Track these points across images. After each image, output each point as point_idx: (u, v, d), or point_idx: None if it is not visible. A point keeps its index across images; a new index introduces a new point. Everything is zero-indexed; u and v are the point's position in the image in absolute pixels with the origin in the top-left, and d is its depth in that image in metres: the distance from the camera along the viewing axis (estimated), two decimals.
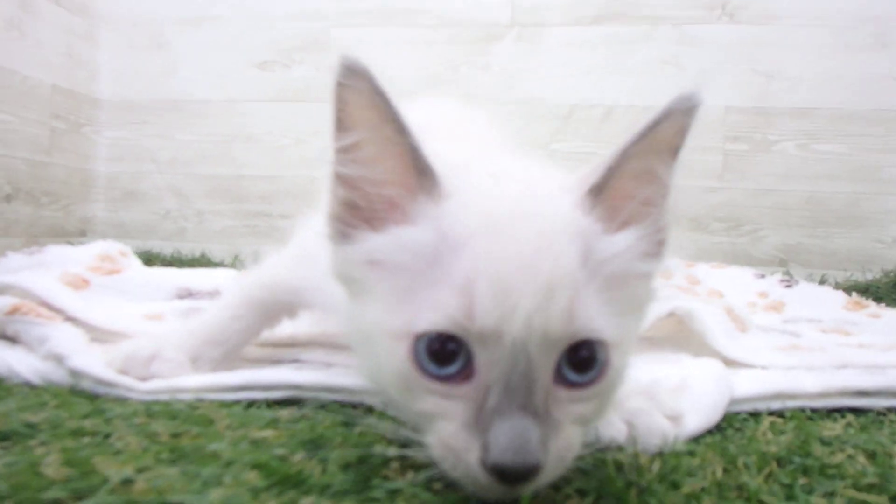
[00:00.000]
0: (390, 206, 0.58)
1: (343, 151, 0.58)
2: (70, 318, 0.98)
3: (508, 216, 0.55)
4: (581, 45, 2.35)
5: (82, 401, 0.76)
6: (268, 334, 0.97)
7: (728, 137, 2.30)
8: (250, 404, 0.79)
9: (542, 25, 2.37)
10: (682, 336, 1.10)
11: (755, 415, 0.82)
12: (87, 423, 0.66)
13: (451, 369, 0.53)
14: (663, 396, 0.74)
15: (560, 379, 0.53)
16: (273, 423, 0.70)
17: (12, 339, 0.94)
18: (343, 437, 0.64)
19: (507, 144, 0.98)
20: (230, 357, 0.90)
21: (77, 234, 2.44)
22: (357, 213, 0.59)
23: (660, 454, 0.65)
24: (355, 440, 0.64)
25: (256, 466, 0.56)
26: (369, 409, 0.76)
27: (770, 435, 0.73)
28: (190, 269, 1.44)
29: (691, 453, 0.66)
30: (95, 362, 0.82)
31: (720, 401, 0.79)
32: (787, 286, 1.64)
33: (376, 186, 0.58)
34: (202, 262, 2.24)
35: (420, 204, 0.57)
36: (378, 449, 0.60)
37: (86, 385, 0.80)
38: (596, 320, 0.53)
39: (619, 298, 0.56)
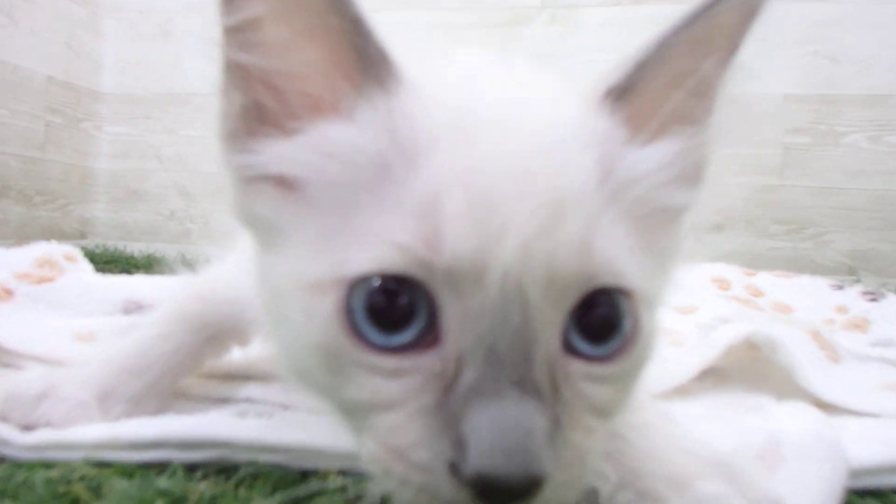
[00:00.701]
0: (316, 105, 0.41)
1: (240, 31, 0.41)
2: None
3: (492, 110, 0.39)
4: (619, 27, 2.12)
5: None
6: (217, 364, 0.75)
7: (788, 129, 2.05)
8: (163, 469, 0.56)
9: (576, 6, 2.16)
10: (756, 368, 0.87)
11: (878, 494, 0.59)
12: None
13: (405, 336, 0.36)
14: (751, 474, 0.51)
15: (568, 348, 0.37)
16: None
17: None
18: None
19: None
20: (155, 392, 0.67)
21: (76, 235, 2.31)
22: (266, 120, 0.42)
23: None
24: None
25: None
26: (323, 478, 0.55)
27: None
28: (149, 276, 1.22)
29: None
30: None
31: (834, 477, 0.55)
32: (872, 299, 1.38)
33: (296, 80, 0.41)
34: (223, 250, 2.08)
35: (362, 98, 0.40)
36: None
37: None
38: (621, 260, 0.37)
39: (649, 237, 0.40)
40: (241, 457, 0.58)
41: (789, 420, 0.67)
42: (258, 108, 0.42)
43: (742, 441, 0.59)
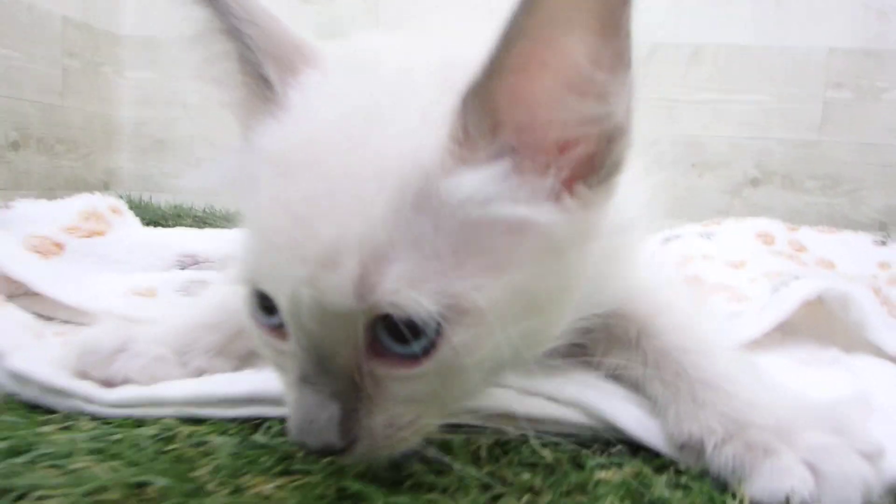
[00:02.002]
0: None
1: None
2: (35, 295, 0.77)
3: (310, 152, 0.42)
4: None
5: (15, 420, 0.54)
6: None
7: (830, 83, 2.00)
8: (257, 426, 0.56)
9: None
10: (819, 323, 0.87)
11: None
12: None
13: (274, 320, 0.45)
14: (855, 424, 0.52)
15: (380, 350, 0.42)
16: (283, 462, 0.49)
17: None
18: (385, 498, 0.44)
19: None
20: (232, 349, 0.66)
21: (100, 187, 2.28)
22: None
23: None
24: (404, 501, 0.44)
25: None
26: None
27: None
28: (202, 229, 1.19)
29: None
30: (43, 362, 0.60)
31: None
32: None
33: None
34: (237, 218, 2.06)
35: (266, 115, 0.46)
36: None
37: (31, 394, 0.58)
38: (420, 289, 0.39)
39: (489, 250, 0.41)
40: None
41: (871, 373, 0.67)
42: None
43: (833, 392, 0.59)
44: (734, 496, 0.46)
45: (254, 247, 0.43)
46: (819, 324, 0.87)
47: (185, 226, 1.81)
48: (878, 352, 0.77)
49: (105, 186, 2.32)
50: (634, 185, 0.55)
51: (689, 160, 2.05)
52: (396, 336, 0.41)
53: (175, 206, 2.15)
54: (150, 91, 2.36)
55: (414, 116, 0.42)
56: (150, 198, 2.25)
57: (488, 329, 0.42)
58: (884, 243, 1.46)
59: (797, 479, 0.46)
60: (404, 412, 0.44)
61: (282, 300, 0.42)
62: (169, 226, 1.66)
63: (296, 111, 0.46)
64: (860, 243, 1.47)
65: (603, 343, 0.62)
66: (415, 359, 0.42)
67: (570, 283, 0.48)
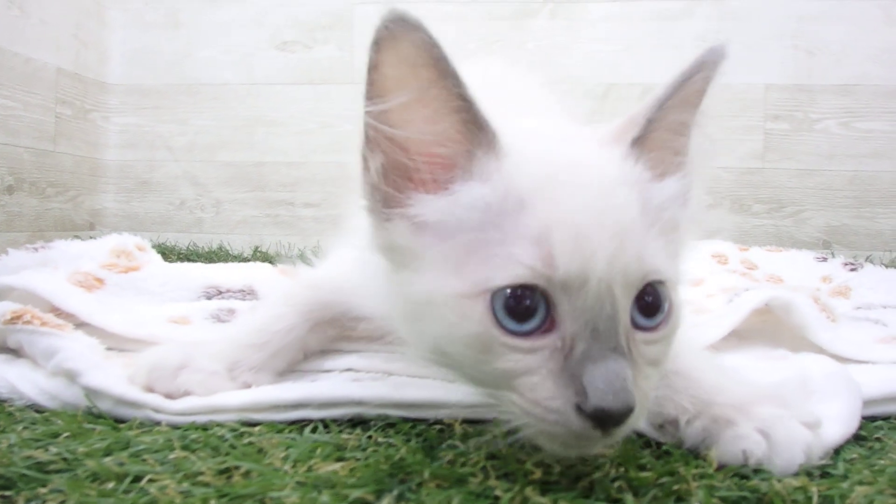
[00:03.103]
0: (446, 165, 0.56)
1: (389, 113, 0.55)
2: (83, 324, 0.86)
3: (569, 169, 0.56)
4: (619, 22, 2.24)
5: (102, 428, 0.64)
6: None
7: (769, 116, 2.20)
8: (304, 426, 0.67)
9: (578, 1, 2.26)
10: (769, 329, 1.01)
11: (886, 419, 0.73)
12: (111, 462, 0.55)
13: (532, 324, 0.52)
14: (796, 400, 0.65)
15: (636, 325, 0.54)
16: (338, 451, 0.60)
17: (15, 352, 0.83)
18: (429, 469, 0.54)
19: (552, 106, 0.95)
20: (272, 365, 0.78)
21: (86, 227, 2.34)
22: (405, 176, 0.57)
23: (807, 475, 0.56)
24: (446, 471, 0.54)
25: None
26: (447, 426, 0.67)
27: None
28: (216, 264, 1.29)
29: (846, 474, 0.57)
30: (115, 378, 0.70)
31: (854, 404, 0.69)
32: (853, 269, 1.54)
33: (430, 146, 0.56)
34: (220, 254, 2.14)
35: (479, 162, 0.55)
36: (476, 485, 0.52)
37: (104, 406, 0.69)
38: (661, 261, 0.55)
39: (671, 243, 0.58)
40: (373, 412, 0.69)
41: (811, 364, 0.80)
42: (400, 169, 0.57)
43: (778, 378, 0.72)
44: (705, 459, 0.58)
45: (555, 240, 0.51)
46: (769, 330, 1.01)
47: (171, 262, 1.90)
48: (821, 351, 0.91)
49: (91, 227, 2.37)
50: None
51: None
52: (644, 312, 0.54)
53: (159, 245, 2.22)
54: (135, 135, 2.44)
55: (615, 154, 0.59)
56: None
57: (681, 306, 0.58)
58: (825, 259, 1.63)
59: (753, 443, 0.58)
60: (650, 373, 0.54)
61: (592, 277, 0.50)
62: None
63: (529, 152, 0.56)
64: (804, 260, 1.65)
65: None
66: (653, 328, 0.54)
67: None
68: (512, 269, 0.51)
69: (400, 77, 0.53)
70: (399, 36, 0.52)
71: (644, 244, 0.54)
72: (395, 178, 0.57)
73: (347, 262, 0.78)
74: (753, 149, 2.21)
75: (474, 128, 0.55)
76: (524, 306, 0.51)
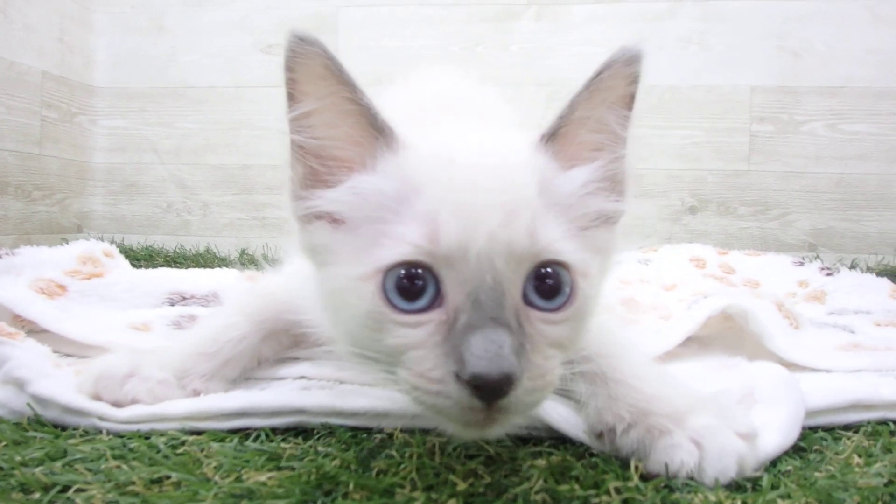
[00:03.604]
0: (349, 165, 0.61)
1: (299, 120, 0.60)
2: (43, 332, 0.86)
3: (466, 156, 0.59)
4: (602, 23, 2.24)
5: (44, 436, 0.65)
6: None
7: (755, 118, 2.20)
8: (247, 435, 0.68)
9: (562, 3, 2.26)
10: (731, 336, 1.01)
11: (829, 430, 0.73)
12: (41, 472, 0.56)
13: (422, 302, 0.54)
14: (733, 410, 0.65)
15: (530, 304, 0.55)
16: (273, 461, 0.60)
17: None
18: (357, 480, 0.55)
19: (505, 114, 0.95)
20: (223, 373, 0.78)
21: (73, 230, 2.35)
22: (317, 180, 0.62)
23: (737, 488, 0.57)
24: (373, 482, 0.55)
25: None
26: (388, 437, 0.67)
27: (857, 459, 0.64)
28: (185, 269, 1.29)
29: (774, 486, 0.57)
30: (63, 386, 0.71)
31: (795, 414, 0.69)
32: (829, 274, 1.54)
33: (335, 150, 0.61)
34: (207, 257, 2.15)
35: (379, 158, 0.59)
36: (401, 496, 0.52)
37: (52, 415, 0.69)
38: (559, 242, 0.56)
39: (581, 233, 0.59)
40: (317, 421, 0.69)
41: (759, 373, 0.80)
42: (312, 172, 0.62)
43: (723, 388, 0.73)
44: (636, 469, 0.58)
45: (441, 218, 0.54)
46: (732, 337, 1.01)
47: (157, 265, 1.91)
48: (781, 359, 0.91)
49: (78, 229, 2.38)
50: None
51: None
52: (542, 293, 0.55)
53: (146, 248, 2.23)
54: (121, 138, 2.45)
55: (522, 145, 0.61)
56: (123, 239, 2.33)
57: (593, 295, 0.58)
58: (801, 264, 1.63)
59: (685, 453, 0.59)
60: (551, 354, 0.55)
61: (472, 250, 0.53)
62: (141, 266, 1.75)
63: (427, 145, 0.60)
64: (782, 264, 1.65)
65: None
66: (553, 310, 0.55)
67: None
68: (398, 247, 0.54)
69: (305, 88, 0.59)
70: (301, 51, 0.58)
71: (538, 224, 0.55)
72: (311, 182, 0.62)
73: (301, 270, 0.78)
74: (739, 151, 2.21)
75: (373, 130, 0.59)
76: (415, 285, 0.54)
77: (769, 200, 2.20)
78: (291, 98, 0.59)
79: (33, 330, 0.90)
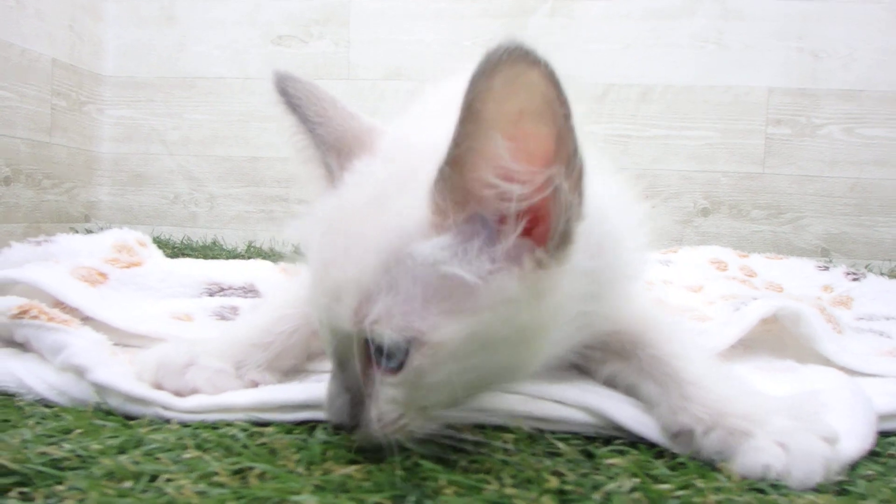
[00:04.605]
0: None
1: None
2: (87, 319, 0.84)
3: (340, 218, 0.58)
4: (618, 20, 2.22)
5: (113, 425, 0.63)
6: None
7: (771, 120, 2.19)
8: (312, 427, 0.65)
9: None
10: (772, 339, 1.00)
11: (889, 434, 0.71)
12: (126, 460, 0.54)
13: None
14: (811, 412, 0.63)
15: (378, 361, 0.56)
16: (349, 454, 0.58)
17: (22, 347, 0.81)
18: (445, 475, 0.53)
19: None
20: (277, 365, 0.77)
21: (81, 219, 2.31)
22: None
23: (826, 493, 0.55)
24: (461, 478, 0.53)
25: None
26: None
27: None
28: (216, 260, 1.27)
29: (863, 496, 0.55)
30: (123, 375, 0.69)
31: (870, 418, 0.68)
32: (855, 279, 1.53)
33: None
34: (214, 249, 2.12)
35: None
36: (490, 489, 0.51)
37: (114, 403, 0.68)
38: (389, 324, 0.53)
39: (452, 299, 0.53)
40: None
41: (818, 377, 0.79)
42: None
43: (789, 390, 0.71)
44: (722, 472, 0.56)
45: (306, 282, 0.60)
46: (773, 339, 0.99)
47: (166, 255, 1.88)
48: (828, 363, 0.90)
49: (86, 219, 2.34)
50: (631, 230, 0.68)
51: (642, 192, 2.21)
52: (384, 353, 0.55)
53: (154, 239, 2.19)
54: (129, 128, 2.41)
55: (411, 193, 0.55)
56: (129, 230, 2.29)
57: (445, 359, 0.54)
58: (826, 268, 1.63)
59: (772, 456, 0.57)
60: (390, 410, 0.57)
61: (319, 317, 0.58)
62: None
63: (341, 188, 0.61)
64: (805, 268, 1.64)
65: (599, 355, 0.73)
66: (395, 371, 0.56)
67: (537, 327, 0.58)
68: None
69: None
70: None
71: (369, 304, 0.53)
72: None
73: None
74: (754, 153, 2.20)
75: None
76: None
77: (782, 204, 2.20)
78: None
79: (78, 318, 0.87)
